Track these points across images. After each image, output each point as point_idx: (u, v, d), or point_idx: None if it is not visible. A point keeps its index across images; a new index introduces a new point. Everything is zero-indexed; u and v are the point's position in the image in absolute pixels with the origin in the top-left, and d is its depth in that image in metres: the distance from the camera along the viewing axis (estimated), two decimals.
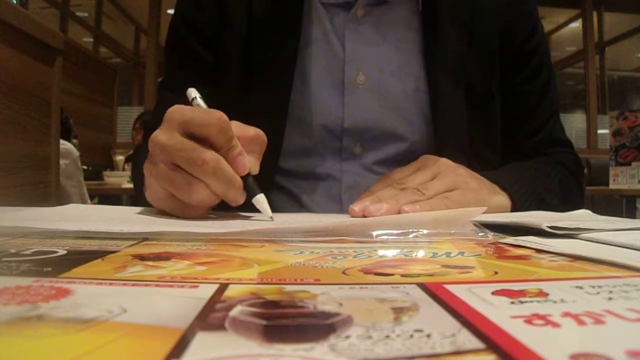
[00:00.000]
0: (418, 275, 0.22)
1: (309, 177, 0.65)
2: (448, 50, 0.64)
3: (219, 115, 0.40)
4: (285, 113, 0.63)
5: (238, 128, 0.43)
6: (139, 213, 0.45)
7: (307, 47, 0.64)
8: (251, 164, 0.42)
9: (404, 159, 0.57)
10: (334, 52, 0.64)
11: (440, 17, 0.64)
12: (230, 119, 0.46)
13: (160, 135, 0.41)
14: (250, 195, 0.42)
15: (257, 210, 0.42)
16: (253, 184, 0.42)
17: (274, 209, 0.63)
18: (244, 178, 0.41)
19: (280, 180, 0.65)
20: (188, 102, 0.46)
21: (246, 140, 0.43)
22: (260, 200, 0.42)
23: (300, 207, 0.64)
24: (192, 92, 0.46)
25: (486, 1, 0.66)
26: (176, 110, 0.41)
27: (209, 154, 0.39)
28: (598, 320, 0.15)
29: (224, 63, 0.66)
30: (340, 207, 0.62)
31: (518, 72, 0.68)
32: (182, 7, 0.70)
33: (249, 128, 0.44)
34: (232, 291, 0.18)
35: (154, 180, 0.42)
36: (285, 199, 0.65)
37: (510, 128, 0.69)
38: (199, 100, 0.46)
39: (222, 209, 0.45)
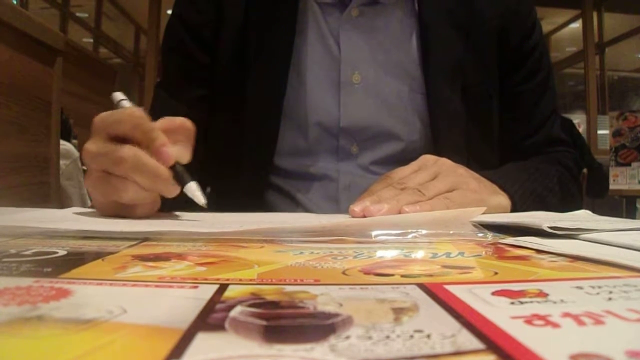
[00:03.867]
0: (418, 275, 0.22)
1: (305, 177, 0.65)
2: (444, 51, 0.64)
3: (130, 111, 0.41)
4: (280, 111, 0.63)
5: (163, 120, 0.43)
6: None
7: (302, 46, 0.64)
8: (179, 153, 0.42)
9: (401, 159, 0.57)
10: (329, 51, 0.64)
11: (436, 19, 0.64)
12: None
13: (88, 145, 0.42)
14: (181, 184, 0.41)
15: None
16: (183, 172, 0.41)
17: (270, 208, 0.62)
18: (173, 168, 0.41)
19: (276, 180, 0.65)
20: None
21: (171, 130, 0.43)
22: (192, 187, 0.41)
23: (297, 206, 0.64)
24: (117, 95, 0.47)
25: (483, 2, 0.66)
26: (99, 118, 0.42)
27: (126, 151, 0.39)
28: (598, 321, 0.15)
29: (220, 62, 0.66)
30: (337, 207, 0.62)
31: (515, 72, 0.68)
32: (180, 8, 0.69)
33: (174, 118, 0.44)
34: (232, 291, 0.18)
35: (92, 190, 0.43)
36: (281, 199, 0.65)
37: (509, 128, 0.69)
38: (124, 102, 0.46)
39: (167, 206, 0.45)
